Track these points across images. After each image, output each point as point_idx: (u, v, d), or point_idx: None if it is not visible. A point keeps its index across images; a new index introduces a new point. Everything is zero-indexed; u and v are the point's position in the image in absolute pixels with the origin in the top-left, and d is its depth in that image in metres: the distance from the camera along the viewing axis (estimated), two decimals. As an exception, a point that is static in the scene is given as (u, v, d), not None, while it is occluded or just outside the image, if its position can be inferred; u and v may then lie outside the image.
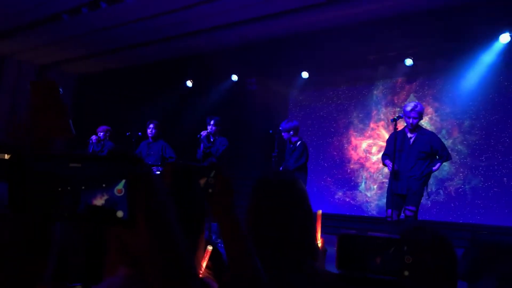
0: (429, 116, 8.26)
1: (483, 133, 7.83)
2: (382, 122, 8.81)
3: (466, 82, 7.86)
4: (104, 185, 0.67)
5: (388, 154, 5.38)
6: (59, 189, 0.67)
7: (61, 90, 1.39)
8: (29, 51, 9.10)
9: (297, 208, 1.43)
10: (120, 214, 0.67)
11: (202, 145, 6.54)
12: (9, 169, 0.67)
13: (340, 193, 9.15)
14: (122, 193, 0.67)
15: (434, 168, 5.17)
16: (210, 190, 1.14)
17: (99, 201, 0.67)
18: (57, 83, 1.37)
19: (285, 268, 1.35)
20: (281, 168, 6.27)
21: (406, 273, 0.91)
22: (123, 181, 0.67)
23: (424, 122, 7.86)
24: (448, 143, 7.87)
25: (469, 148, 7.94)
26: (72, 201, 0.67)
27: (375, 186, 8.74)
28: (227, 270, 1.20)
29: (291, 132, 6.21)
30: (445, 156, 5.22)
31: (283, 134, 6.23)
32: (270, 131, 6.38)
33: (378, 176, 8.73)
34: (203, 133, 6.51)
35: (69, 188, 0.67)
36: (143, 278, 0.77)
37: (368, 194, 8.82)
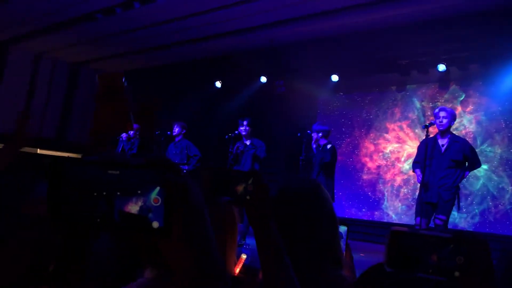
0: (462, 122, 8.09)
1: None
2: (413, 129, 8.67)
3: (501, 88, 7.67)
4: (139, 192, 0.66)
5: (419, 162, 5.28)
6: (94, 194, 0.67)
7: (125, 82, 1.41)
8: (63, 49, 9.30)
9: (320, 215, 1.41)
10: (155, 224, 0.66)
11: (235, 147, 6.53)
12: (48, 174, 0.67)
13: (365, 196, 9.04)
14: (159, 203, 0.66)
15: (464, 176, 5.09)
16: (247, 197, 1.13)
17: (133, 208, 0.66)
18: (122, 74, 1.37)
19: (310, 278, 1.33)
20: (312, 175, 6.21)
21: (457, 274, 0.88)
22: (158, 188, 0.66)
23: (457, 129, 7.71)
24: (480, 149, 7.71)
25: (504, 154, 7.73)
26: (107, 206, 0.66)
27: (405, 190, 8.60)
28: (259, 275, 1.19)
29: (320, 134, 6.20)
30: (476, 164, 5.11)
31: (313, 133, 6.24)
32: (298, 134, 6.35)
33: (408, 183, 8.58)
34: (237, 132, 6.54)
35: (104, 193, 0.66)
36: (171, 281, 0.76)
37: (396, 201, 8.69)
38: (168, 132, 7.22)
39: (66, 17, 7.72)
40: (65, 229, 0.74)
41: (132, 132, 7.30)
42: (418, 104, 8.68)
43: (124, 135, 7.22)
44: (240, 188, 1.14)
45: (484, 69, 7.36)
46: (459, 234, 0.89)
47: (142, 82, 9.90)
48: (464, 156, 5.02)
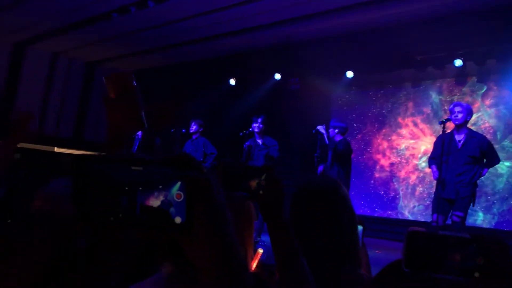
0: (480, 118, 7.98)
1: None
2: (429, 125, 8.58)
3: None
4: (160, 187, 0.67)
5: (435, 158, 5.23)
6: (117, 189, 0.67)
7: (134, 81, 1.42)
8: (79, 48, 9.41)
9: (341, 214, 1.40)
10: (178, 220, 0.67)
11: (246, 144, 6.57)
12: (72, 171, 0.68)
13: (381, 192, 8.98)
14: (182, 198, 0.67)
15: (482, 173, 5.03)
16: (261, 192, 1.14)
17: (155, 202, 0.67)
18: (131, 74, 1.38)
19: (330, 276, 1.33)
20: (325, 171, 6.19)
21: (477, 274, 0.87)
22: (179, 183, 0.67)
23: (474, 125, 7.61)
24: (501, 145, 7.61)
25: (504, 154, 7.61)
26: (129, 201, 0.67)
27: (421, 189, 8.52)
28: (274, 271, 1.20)
29: (336, 130, 6.19)
30: (495, 161, 5.05)
31: (329, 130, 6.23)
32: (313, 131, 6.33)
33: (424, 181, 8.50)
34: (251, 129, 6.56)
35: (126, 188, 0.67)
36: (192, 278, 0.77)
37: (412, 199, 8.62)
38: (184, 130, 7.27)
39: (81, 17, 7.81)
40: (90, 225, 0.75)
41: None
42: (434, 100, 8.59)
43: (140, 133, 7.29)
44: (254, 183, 1.15)
45: (502, 64, 7.24)
46: (478, 234, 0.88)
47: (157, 81, 9.97)
48: (481, 152, 4.96)
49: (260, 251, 1.72)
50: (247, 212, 1.40)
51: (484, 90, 8.07)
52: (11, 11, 7.57)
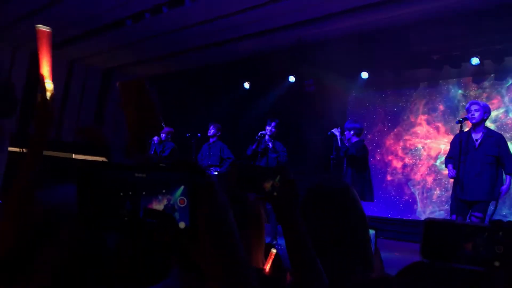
0: (498, 117, 7.86)
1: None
2: (447, 124, 8.47)
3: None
4: (164, 191, 0.67)
5: (452, 157, 5.16)
6: (121, 194, 0.68)
7: (148, 86, 1.44)
8: (95, 56, 9.53)
9: (351, 217, 1.39)
10: (182, 225, 0.67)
11: (256, 144, 6.59)
12: (78, 177, 0.69)
13: (394, 193, 8.90)
14: (185, 203, 0.67)
15: (503, 188, 4.81)
16: (275, 193, 1.13)
17: (158, 207, 0.68)
18: (144, 80, 1.40)
19: (341, 280, 1.32)
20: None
21: (497, 263, 0.85)
22: (182, 187, 0.67)
23: (492, 125, 7.50)
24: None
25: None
26: (132, 206, 0.68)
27: (439, 193, 8.41)
28: (289, 273, 1.20)
29: (352, 132, 6.14)
30: (510, 166, 4.84)
31: (345, 132, 6.19)
32: (328, 133, 6.30)
33: (441, 183, 8.40)
34: (263, 132, 6.59)
35: (130, 193, 0.68)
36: (198, 282, 0.77)
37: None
38: (199, 134, 7.29)
39: (97, 25, 7.91)
40: (94, 230, 0.76)
41: (164, 135, 7.41)
42: (452, 99, 8.48)
43: (156, 138, 7.34)
44: (268, 184, 1.15)
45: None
46: (495, 222, 0.86)
47: (173, 86, 10.04)
48: (499, 151, 4.86)
49: (274, 250, 1.72)
50: (257, 215, 1.40)
51: (501, 89, 7.94)
52: (28, 21, 7.71)
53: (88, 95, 10.24)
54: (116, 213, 0.69)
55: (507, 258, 0.86)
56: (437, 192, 8.40)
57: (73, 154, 7.30)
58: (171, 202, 0.68)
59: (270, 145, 6.59)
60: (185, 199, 0.67)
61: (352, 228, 1.37)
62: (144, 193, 0.68)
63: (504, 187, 4.82)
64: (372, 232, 1.64)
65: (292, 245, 1.14)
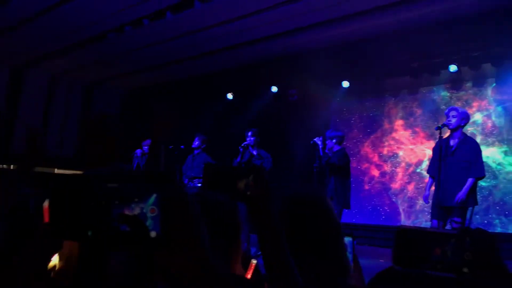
0: (477, 122, 8.00)
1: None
2: (427, 131, 8.58)
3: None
4: (136, 200, 0.68)
5: (432, 164, 5.24)
6: (93, 204, 0.69)
7: (110, 119, 1.44)
8: (77, 70, 9.48)
9: (325, 225, 1.41)
10: (153, 234, 0.68)
11: (240, 156, 6.61)
12: (49, 190, 0.70)
13: (378, 201, 8.96)
14: (156, 213, 0.68)
15: (465, 187, 4.83)
16: (248, 193, 1.13)
17: (131, 215, 0.68)
18: (105, 114, 1.41)
19: (316, 286, 1.33)
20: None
21: (466, 270, 0.87)
22: (154, 195, 0.68)
23: (472, 129, 7.62)
24: (495, 152, 7.60)
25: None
26: (105, 215, 0.68)
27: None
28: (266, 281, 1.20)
29: (334, 140, 6.19)
30: (478, 171, 4.88)
31: (326, 141, 6.23)
32: (311, 142, 6.35)
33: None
34: (246, 143, 6.61)
35: (103, 202, 0.69)
36: None
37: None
38: (182, 146, 7.26)
39: (79, 38, 7.88)
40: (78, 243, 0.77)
41: (146, 147, 7.38)
42: (432, 106, 8.60)
43: (138, 151, 7.30)
44: (241, 184, 1.14)
45: (497, 67, 7.27)
46: (463, 229, 0.89)
47: (157, 98, 10.02)
48: (471, 157, 4.92)
49: (254, 261, 1.72)
50: (234, 220, 1.40)
51: (479, 96, 8.09)
52: (8, 35, 7.66)
53: (72, 109, 10.16)
54: (88, 224, 0.69)
55: (475, 265, 0.87)
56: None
57: (55, 169, 7.22)
58: (144, 211, 0.69)
59: (255, 152, 6.61)
60: (156, 208, 0.68)
61: (326, 236, 1.38)
62: (116, 202, 0.69)
63: (462, 191, 4.82)
64: (348, 239, 1.66)
65: (265, 245, 1.14)
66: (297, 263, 1.32)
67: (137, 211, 0.68)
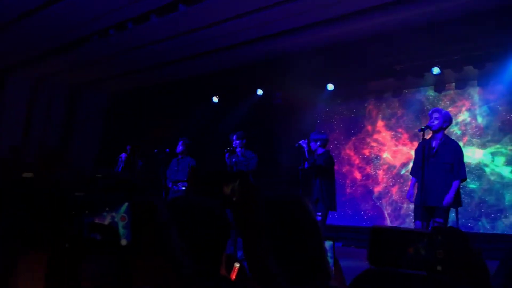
0: (460, 123, 8.11)
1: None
2: (410, 133, 8.66)
3: (497, 89, 7.74)
4: (107, 209, 0.69)
5: (415, 165, 5.29)
6: (64, 214, 0.69)
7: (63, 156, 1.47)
8: (60, 73, 9.39)
9: (304, 227, 1.41)
10: (124, 242, 0.68)
11: (228, 161, 6.61)
12: (11, 196, 0.69)
13: (363, 205, 9.02)
14: (126, 221, 0.69)
15: (451, 190, 4.88)
16: (234, 198, 1.13)
17: (102, 224, 0.68)
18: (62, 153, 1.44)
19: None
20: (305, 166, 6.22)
21: (439, 267, 0.88)
22: (126, 204, 0.68)
23: (454, 132, 7.72)
24: (476, 153, 7.70)
25: (503, 157, 7.72)
26: (77, 225, 0.68)
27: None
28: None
29: (318, 143, 6.23)
30: (460, 173, 4.92)
31: (311, 144, 6.27)
32: (296, 145, 6.38)
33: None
34: (235, 147, 6.60)
35: (73, 212, 0.69)
36: None
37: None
38: (167, 150, 7.23)
39: (63, 42, 7.81)
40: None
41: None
42: (415, 108, 8.69)
43: (123, 155, 7.25)
44: (227, 189, 1.14)
45: (478, 70, 7.38)
46: (435, 228, 0.90)
47: (142, 101, 9.98)
48: (453, 158, 4.97)
49: (237, 265, 1.72)
50: (223, 221, 1.40)
51: (462, 98, 8.21)
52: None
53: (55, 113, 10.06)
54: (60, 233, 0.69)
55: (448, 263, 0.89)
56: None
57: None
58: (115, 219, 0.69)
59: (240, 155, 6.60)
60: (126, 216, 0.69)
61: (306, 238, 1.39)
62: (87, 212, 0.69)
63: (449, 194, 4.87)
64: (329, 243, 1.66)
65: (249, 250, 1.14)
66: (279, 265, 1.32)
67: (108, 219, 0.68)
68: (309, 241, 1.39)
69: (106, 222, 0.68)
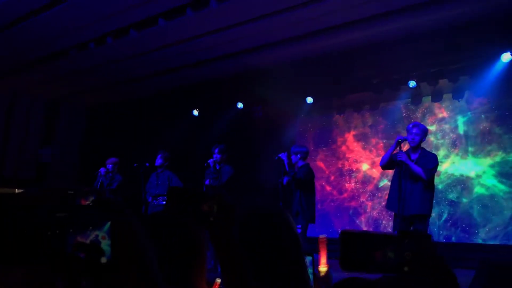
0: (435, 134, 8.29)
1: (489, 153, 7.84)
2: (387, 145, 8.79)
3: (470, 101, 7.96)
4: (90, 228, 0.71)
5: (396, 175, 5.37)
6: (48, 233, 0.71)
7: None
8: (38, 86, 9.29)
9: (285, 239, 1.43)
10: (104, 260, 0.71)
11: (207, 175, 6.59)
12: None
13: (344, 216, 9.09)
14: (106, 239, 0.71)
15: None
16: (211, 219, 1.14)
17: (85, 242, 0.71)
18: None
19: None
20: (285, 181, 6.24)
21: (406, 269, 0.91)
22: (109, 223, 0.71)
23: (427, 143, 7.88)
24: (449, 162, 7.85)
25: (477, 168, 7.90)
26: (60, 243, 0.70)
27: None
28: None
29: (298, 156, 6.28)
30: (426, 173, 5.01)
31: (292, 156, 6.31)
32: (276, 158, 6.42)
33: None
34: (211, 161, 6.57)
35: (57, 231, 0.71)
36: None
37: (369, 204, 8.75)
38: (147, 164, 7.18)
39: (41, 54, 7.75)
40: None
41: (110, 166, 7.26)
42: (392, 121, 8.83)
43: (102, 169, 7.18)
44: (206, 206, 1.16)
45: (453, 83, 7.56)
46: (405, 231, 0.94)
47: (121, 115, 9.91)
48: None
49: (218, 280, 1.73)
50: (198, 240, 1.41)
51: (437, 110, 8.40)
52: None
53: (33, 126, 9.93)
54: (42, 251, 0.71)
55: (415, 264, 0.92)
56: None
57: (16, 190, 7.02)
58: (98, 238, 0.71)
59: (211, 167, 6.55)
60: (106, 235, 0.71)
61: (285, 250, 1.41)
62: (71, 230, 0.71)
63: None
64: (309, 258, 1.68)
65: (225, 270, 1.16)
66: (258, 280, 1.34)
67: (91, 238, 0.71)
68: (289, 254, 1.41)
69: (89, 240, 0.71)
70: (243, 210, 1.47)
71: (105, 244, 0.71)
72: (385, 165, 5.33)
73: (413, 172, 4.99)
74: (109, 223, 0.71)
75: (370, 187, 8.92)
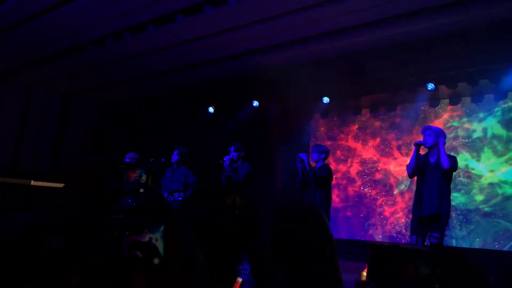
0: (455, 138, 8.21)
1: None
2: (404, 148, 8.73)
3: (489, 106, 7.86)
4: (146, 231, 0.73)
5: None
6: (106, 234, 0.73)
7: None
8: (54, 81, 9.36)
9: (316, 237, 1.40)
10: (156, 260, 0.72)
11: (223, 172, 6.61)
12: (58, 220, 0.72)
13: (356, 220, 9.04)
14: (159, 241, 0.73)
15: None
16: (237, 212, 1.14)
17: (141, 244, 0.73)
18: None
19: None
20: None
21: (437, 286, 0.90)
22: (162, 227, 0.73)
23: (454, 142, 7.82)
24: (467, 165, 7.84)
25: (497, 172, 7.81)
26: (118, 245, 0.72)
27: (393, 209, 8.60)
28: None
29: (323, 156, 6.31)
30: (450, 165, 5.02)
31: (315, 155, 6.33)
32: (296, 157, 6.41)
33: (402, 204, 8.60)
34: (226, 158, 6.59)
35: (115, 233, 0.73)
36: None
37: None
38: (163, 159, 7.19)
39: (57, 49, 7.80)
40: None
41: (129, 160, 7.23)
42: (409, 123, 8.77)
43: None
44: (228, 202, 1.16)
45: (473, 88, 7.50)
46: (436, 247, 0.92)
47: (137, 111, 9.97)
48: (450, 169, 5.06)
49: (240, 279, 1.72)
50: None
51: (456, 113, 8.32)
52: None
53: (48, 121, 10.01)
54: (100, 252, 0.73)
55: (446, 280, 0.90)
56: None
57: (32, 181, 7.10)
58: (153, 241, 0.73)
59: (235, 166, 6.60)
60: (159, 238, 0.74)
61: (320, 248, 1.38)
62: (127, 233, 0.73)
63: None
64: None
65: (256, 264, 1.14)
66: (289, 279, 1.32)
67: (146, 239, 0.72)
68: (324, 254, 1.38)
69: (145, 242, 0.73)
70: (275, 205, 1.44)
71: (158, 246, 0.73)
72: (413, 172, 5.27)
73: (441, 160, 4.96)
74: (163, 226, 0.73)
75: (384, 189, 8.87)
